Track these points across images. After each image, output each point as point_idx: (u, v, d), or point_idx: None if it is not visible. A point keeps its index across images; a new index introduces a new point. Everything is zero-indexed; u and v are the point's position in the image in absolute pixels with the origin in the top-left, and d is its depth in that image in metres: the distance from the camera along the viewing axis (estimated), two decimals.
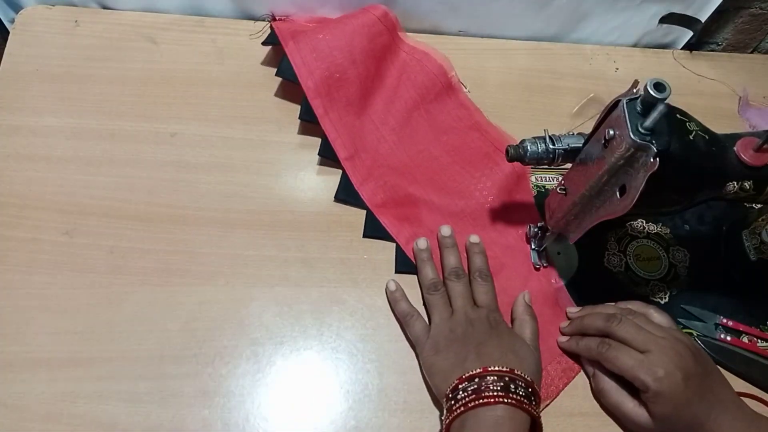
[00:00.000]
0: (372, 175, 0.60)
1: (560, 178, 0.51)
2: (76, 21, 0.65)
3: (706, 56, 0.74)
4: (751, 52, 0.76)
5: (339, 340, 0.52)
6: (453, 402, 0.45)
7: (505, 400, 0.44)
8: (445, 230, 0.57)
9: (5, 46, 0.63)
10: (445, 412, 0.46)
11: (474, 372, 0.46)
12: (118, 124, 0.60)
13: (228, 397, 0.49)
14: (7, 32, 0.65)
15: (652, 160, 0.40)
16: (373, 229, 0.57)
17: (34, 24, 0.65)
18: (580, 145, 0.48)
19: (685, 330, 0.55)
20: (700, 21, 0.69)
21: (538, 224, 0.56)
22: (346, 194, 0.59)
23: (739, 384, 0.53)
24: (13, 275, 0.52)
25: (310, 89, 0.59)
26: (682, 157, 0.41)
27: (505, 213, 0.59)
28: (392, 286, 0.55)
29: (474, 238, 0.57)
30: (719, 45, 0.75)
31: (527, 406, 0.44)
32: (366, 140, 0.61)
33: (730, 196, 0.45)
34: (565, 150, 0.49)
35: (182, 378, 0.49)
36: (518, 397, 0.44)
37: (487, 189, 0.60)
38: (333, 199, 0.59)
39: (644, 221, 0.61)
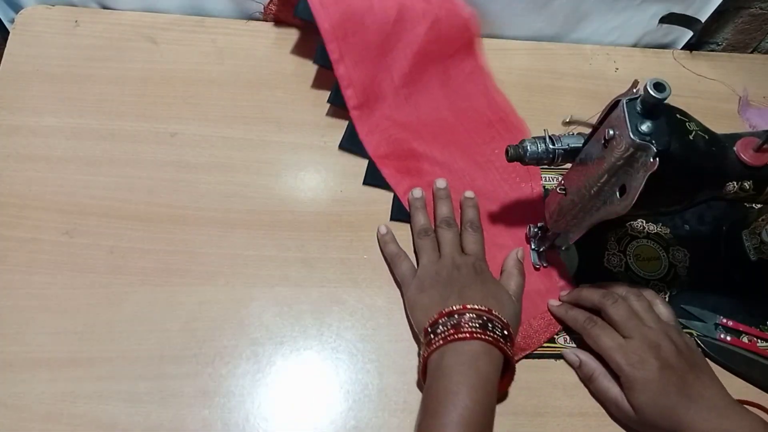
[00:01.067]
0: (378, 127, 0.61)
1: (560, 178, 0.51)
2: (76, 21, 0.65)
3: (706, 56, 0.74)
4: (751, 52, 0.76)
5: (339, 340, 0.52)
6: (432, 336, 0.47)
7: (483, 337, 0.46)
8: (441, 182, 0.58)
9: (5, 46, 0.63)
10: (423, 346, 0.48)
11: (454, 308, 0.48)
12: (118, 124, 0.60)
13: (228, 397, 0.49)
14: (7, 32, 0.65)
15: (652, 160, 0.40)
16: (374, 178, 0.60)
17: (34, 24, 0.65)
18: (580, 145, 0.48)
19: (685, 330, 0.55)
20: (700, 21, 0.69)
21: (538, 224, 0.56)
22: (351, 143, 0.61)
23: (739, 384, 0.53)
24: (13, 275, 0.52)
25: (327, 32, 0.59)
26: (682, 157, 0.42)
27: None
28: (383, 230, 0.57)
29: (469, 194, 0.58)
30: (719, 45, 0.75)
31: (502, 345, 0.46)
32: (378, 89, 0.62)
33: (730, 196, 0.45)
34: (565, 150, 0.49)
35: (182, 378, 0.49)
36: (495, 336, 0.46)
37: (486, 156, 0.62)
38: (337, 146, 0.61)
39: (644, 221, 0.61)
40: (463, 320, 0.47)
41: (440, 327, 0.47)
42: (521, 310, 0.52)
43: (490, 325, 0.46)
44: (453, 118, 0.64)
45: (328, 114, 0.63)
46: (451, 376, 0.44)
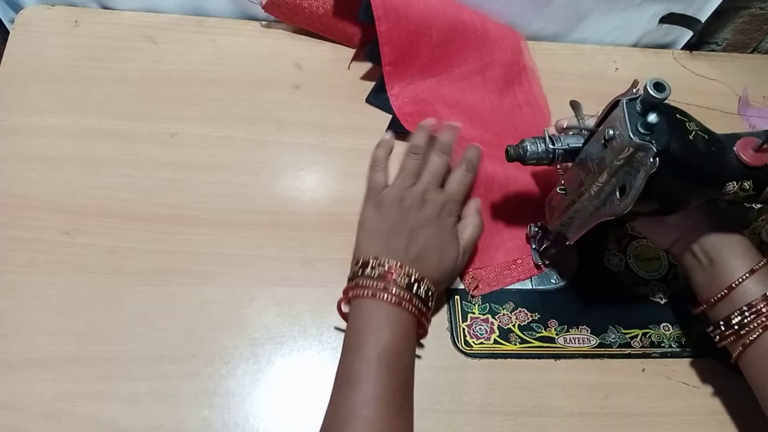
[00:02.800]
0: (406, 89, 0.64)
1: (560, 178, 0.51)
2: (76, 21, 0.65)
3: (706, 56, 0.74)
4: (751, 52, 0.76)
5: (339, 340, 0.52)
6: (361, 278, 0.47)
7: (407, 306, 0.46)
8: (454, 123, 0.58)
9: (5, 46, 0.63)
10: (350, 273, 0.49)
11: (385, 265, 0.47)
12: (118, 124, 0.60)
13: (228, 397, 0.49)
14: (7, 32, 0.65)
15: (652, 160, 0.40)
16: (397, 127, 0.61)
17: (34, 24, 0.65)
18: (580, 145, 0.48)
19: (684, 329, 0.55)
20: (700, 21, 0.69)
21: (539, 223, 0.56)
22: (377, 98, 0.63)
23: (739, 382, 0.53)
24: (13, 275, 0.52)
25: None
26: (682, 157, 0.41)
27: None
28: (387, 135, 0.58)
29: (476, 145, 0.56)
30: (719, 45, 0.75)
31: (422, 315, 0.47)
32: (416, 53, 0.63)
33: (730, 196, 0.45)
34: (565, 150, 0.49)
35: (182, 378, 0.49)
36: (417, 306, 0.46)
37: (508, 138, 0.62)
38: (364, 100, 0.64)
39: None
40: (390, 277, 0.46)
41: (369, 271, 0.47)
42: (464, 261, 0.53)
43: (415, 286, 0.47)
44: (488, 112, 0.65)
45: (328, 114, 0.63)
46: (369, 321, 0.46)
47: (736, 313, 0.46)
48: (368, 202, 0.52)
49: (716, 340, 0.48)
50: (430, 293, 0.48)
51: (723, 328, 0.47)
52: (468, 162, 0.54)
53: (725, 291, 0.46)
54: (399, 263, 0.47)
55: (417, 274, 0.47)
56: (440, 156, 0.53)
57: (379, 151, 0.55)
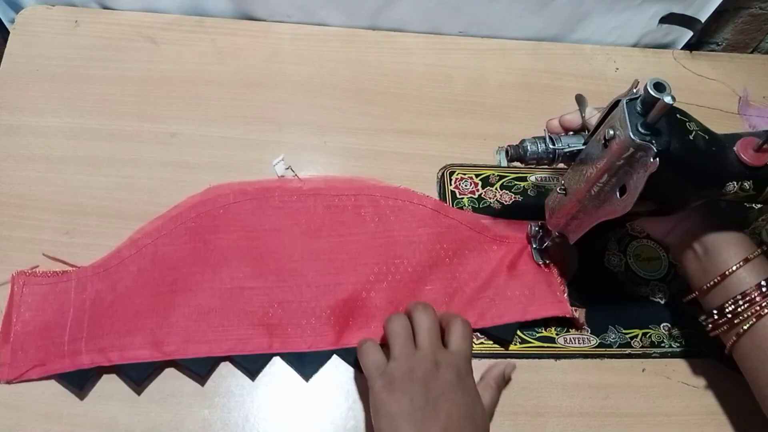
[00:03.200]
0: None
1: (560, 178, 0.51)
2: (76, 21, 0.65)
3: (706, 56, 0.74)
4: (751, 52, 0.76)
5: None
6: None
7: None
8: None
9: (5, 46, 0.63)
10: None
11: None
12: (118, 124, 0.60)
13: (228, 397, 0.49)
14: (7, 32, 0.65)
15: (652, 160, 0.40)
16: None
17: (34, 24, 0.65)
18: (580, 145, 0.48)
19: (684, 329, 0.55)
20: (700, 21, 0.69)
21: (539, 223, 0.56)
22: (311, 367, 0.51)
23: (741, 380, 0.53)
24: None
25: None
26: (682, 157, 0.41)
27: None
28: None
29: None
30: (719, 45, 0.75)
31: None
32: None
33: (730, 196, 0.45)
34: (565, 150, 0.49)
35: (182, 378, 0.49)
36: None
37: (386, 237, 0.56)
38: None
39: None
40: None
41: None
42: (489, 423, 0.46)
43: None
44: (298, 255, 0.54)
45: (328, 114, 0.63)
46: None
47: (729, 302, 0.46)
48: (375, 385, 0.44)
49: (709, 329, 0.48)
50: None
51: (716, 317, 0.47)
52: (455, 318, 0.48)
53: (718, 278, 0.46)
54: None
55: None
56: (425, 312, 0.47)
57: (366, 342, 0.48)
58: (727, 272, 0.46)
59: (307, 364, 0.51)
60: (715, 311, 0.47)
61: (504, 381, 0.51)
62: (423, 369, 0.44)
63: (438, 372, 0.44)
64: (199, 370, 0.49)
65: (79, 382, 0.47)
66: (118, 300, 0.50)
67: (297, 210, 0.56)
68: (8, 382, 0.47)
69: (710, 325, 0.48)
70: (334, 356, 0.51)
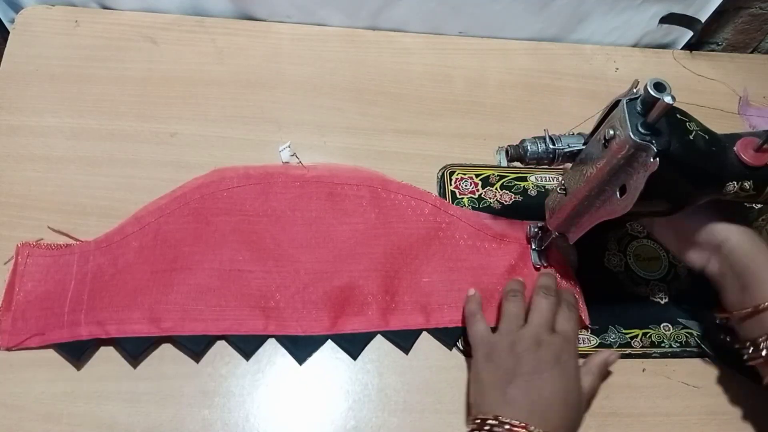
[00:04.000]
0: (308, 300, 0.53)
1: (560, 178, 0.51)
2: (76, 21, 0.65)
3: (706, 56, 0.74)
4: (751, 52, 0.76)
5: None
6: None
7: None
8: (551, 271, 0.55)
9: (5, 46, 0.63)
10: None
11: (496, 421, 0.43)
12: (118, 124, 0.60)
13: (228, 397, 0.49)
14: (7, 32, 0.65)
15: (652, 160, 0.40)
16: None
17: (34, 24, 0.65)
18: (580, 145, 0.48)
19: (684, 329, 0.55)
20: (700, 21, 0.69)
21: (539, 224, 0.56)
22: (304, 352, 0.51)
23: (739, 381, 0.53)
24: None
25: None
26: (682, 157, 0.41)
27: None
28: (471, 291, 0.53)
29: (570, 290, 0.53)
30: (719, 45, 0.75)
31: None
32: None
33: (730, 196, 0.45)
34: (565, 150, 0.49)
35: (182, 378, 0.49)
36: None
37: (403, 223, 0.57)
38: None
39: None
40: None
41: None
42: (585, 411, 0.48)
43: None
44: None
45: (328, 114, 0.63)
46: None
47: (764, 338, 0.45)
48: (477, 353, 0.48)
49: (745, 358, 0.47)
50: None
51: (752, 350, 0.46)
52: (566, 302, 0.50)
53: (753, 309, 0.46)
54: (521, 423, 0.42)
55: None
56: (546, 295, 0.49)
57: (471, 305, 0.52)
58: (761, 306, 0.45)
59: (301, 348, 0.51)
60: (750, 345, 0.47)
61: (606, 368, 0.51)
62: (524, 345, 0.46)
63: (538, 350, 0.46)
64: (194, 347, 0.49)
65: (77, 352, 0.48)
66: (118, 274, 0.51)
67: (299, 196, 0.57)
68: (8, 349, 0.48)
69: (746, 355, 0.47)
70: (334, 355, 0.51)
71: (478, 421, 0.44)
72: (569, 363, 0.46)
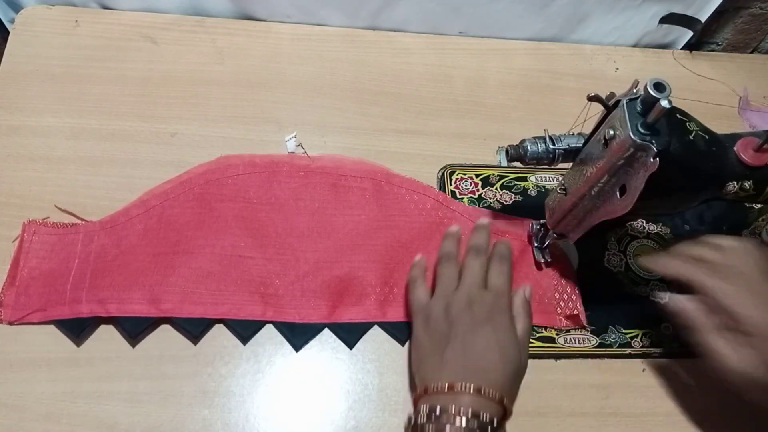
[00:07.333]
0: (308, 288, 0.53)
1: (560, 178, 0.51)
2: (76, 21, 0.65)
3: (706, 56, 0.74)
4: (751, 52, 0.76)
5: (339, 340, 0.52)
6: (419, 416, 0.43)
7: None
8: (484, 221, 0.54)
9: (5, 46, 0.63)
10: (414, 399, 0.46)
11: (439, 387, 0.43)
12: (118, 124, 0.60)
13: (228, 397, 0.49)
14: (7, 32, 0.65)
15: (652, 160, 0.40)
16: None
17: (34, 24, 0.65)
18: (580, 145, 0.48)
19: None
20: (700, 21, 0.69)
21: (540, 221, 0.56)
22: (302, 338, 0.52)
23: None
24: None
25: None
26: (682, 157, 0.42)
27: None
28: (418, 257, 0.53)
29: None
30: (719, 45, 0.75)
31: None
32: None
33: (730, 196, 0.45)
34: (565, 150, 0.49)
35: (182, 378, 0.49)
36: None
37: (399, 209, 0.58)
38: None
39: (644, 221, 0.61)
40: (446, 418, 0.41)
41: (424, 416, 0.42)
42: (527, 355, 0.47)
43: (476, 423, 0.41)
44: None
45: (328, 114, 0.63)
46: None
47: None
48: (416, 320, 0.49)
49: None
50: (495, 418, 0.43)
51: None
52: (498, 255, 0.51)
53: None
54: (447, 384, 0.43)
55: (483, 387, 0.42)
56: (476, 256, 0.50)
57: (415, 271, 0.52)
58: None
59: (298, 335, 0.52)
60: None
61: (529, 304, 0.50)
62: (457, 307, 0.47)
63: (471, 309, 0.46)
64: (193, 330, 0.50)
65: (77, 329, 0.49)
66: (121, 255, 0.52)
67: (303, 186, 0.57)
68: (10, 323, 0.49)
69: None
70: (335, 356, 0.51)
71: (420, 390, 0.45)
72: (502, 316, 0.47)
